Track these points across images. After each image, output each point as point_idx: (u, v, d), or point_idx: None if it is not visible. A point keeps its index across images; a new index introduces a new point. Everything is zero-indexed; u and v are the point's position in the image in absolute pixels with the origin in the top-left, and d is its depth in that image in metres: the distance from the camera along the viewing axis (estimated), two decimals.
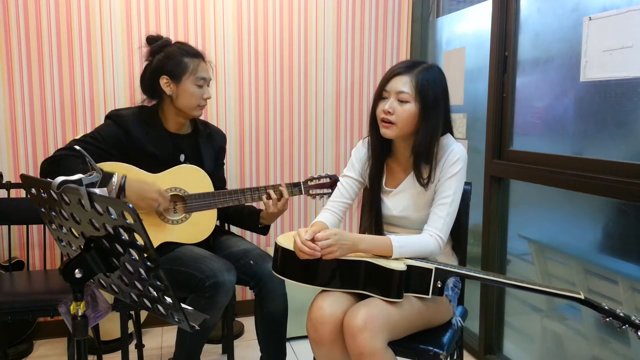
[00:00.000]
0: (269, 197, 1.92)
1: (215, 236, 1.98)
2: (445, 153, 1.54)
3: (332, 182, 2.00)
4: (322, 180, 2.00)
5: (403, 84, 1.50)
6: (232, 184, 2.75)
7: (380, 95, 1.55)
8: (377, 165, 1.64)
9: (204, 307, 1.68)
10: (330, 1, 2.78)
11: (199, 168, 1.90)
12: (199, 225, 1.89)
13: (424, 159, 1.54)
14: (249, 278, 1.88)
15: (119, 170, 1.78)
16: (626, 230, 1.69)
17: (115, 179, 1.69)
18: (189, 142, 1.96)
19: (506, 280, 1.41)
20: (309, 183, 1.99)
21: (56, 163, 1.71)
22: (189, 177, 1.88)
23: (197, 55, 1.88)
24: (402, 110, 1.50)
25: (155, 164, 1.83)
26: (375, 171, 1.64)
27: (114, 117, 1.84)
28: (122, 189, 1.69)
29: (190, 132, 1.98)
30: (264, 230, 2.06)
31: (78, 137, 1.84)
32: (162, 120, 1.90)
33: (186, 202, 1.86)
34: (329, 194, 1.99)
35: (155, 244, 1.81)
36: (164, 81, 1.84)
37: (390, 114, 1.51)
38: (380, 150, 1.63)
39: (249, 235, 2.80)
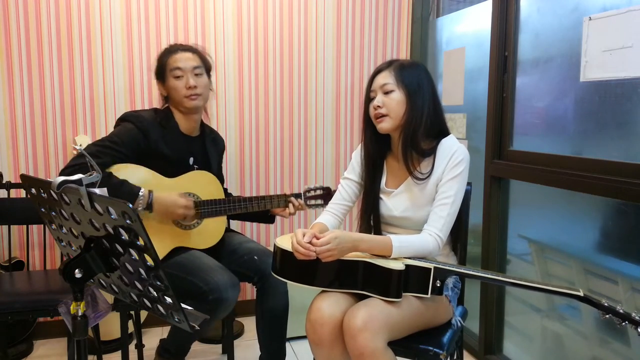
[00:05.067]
0: (284, 205, 2.00)
1: None
2: (449, 153, 1.55)
3: (326, 193, 2.07)
4: (318, 192, 2.07)
5: (385, 78, 1.56)
6: (232, 183, 2.75)
7: (368, 97, 1.61)
8: (373, 167, 1.66)
9: None
10: (330, 1, 2.78)
11: (211, 174, 1.94)
12: (210, 232, 1.91)
13: (411, 146, 1.55)
14: (253, 273, 1.90)
15: (134, 172, 1.78)
16: (626, 230, 1.69)
17: (142, 194, 1.70)
18: (197, 145, 1.98)
19: (505, 278, 1.41)
20: (307, 194, 2.06)
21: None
22: (202, 183, 1.90)
23: (173, 50, 1.89)
24: (389, 100, 1.55)
25: (167, 166, 1.84)
26: (370, 173, 1.66)
27: (132, 119, 1.83)
28: (149, 205, 1.72)
29: (199, 135, 2.01)
30: (272, 218, 2.10)
31: (96, 141, 1.82)
32: (177, 122, 1.91)
33: (199, 208, 1.87)
34: (322, 205, 2.07)
35: (168, 249, 1.81)
36: (158, 86, 1.93)
37: (380, 108, 1.55)
38: (376, 151, 1.65)
39: (248, 233, 2.80)
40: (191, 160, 1.93)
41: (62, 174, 1.69)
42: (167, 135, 1.86)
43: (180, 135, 1.91)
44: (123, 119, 1.86)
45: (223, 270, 1.78)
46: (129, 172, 1.77)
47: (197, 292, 1.69)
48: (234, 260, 1.91)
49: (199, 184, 1.89)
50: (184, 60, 1.86)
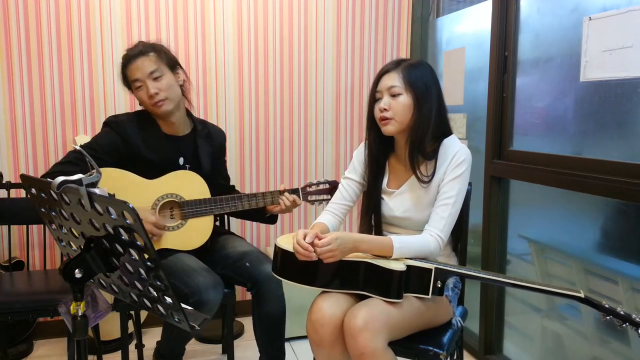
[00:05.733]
0: (284, 201, 1.92)
1: (214, 237, 1.96)
2: (451, 154, 1.54)
3: (332, 187, 1.99)
4: (321, 186, 1.99)
5: (392, 80, 1.53)
6: (232, 184, 2.75)
7: (374, 97, 1.58)
8: (376, 167, 1.65)
9: None
10: (330, 1, 2.78)
11: (195, 173, 1.88)
12: (195, 232, 1.87)
13: (418, 150, 1.54)
14: (246, 280, 1.86)
15: (114, 176, 1.76)
16: (626, 230, 1.69)
17: None
18: (187, 144, 1.94)
19: (506, 279, 1.41)
20: (308, 189, 1.98)
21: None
22: (185, 183, 1.85)
23: (127, 59, 1.81)
24: (396, 103, 1.53)
25: (153, 169, 1.81)
26: (373, 173, 1.65)
27: (111, 123, 1.83)
28: None
29: (189, 133, 1.96)
30: (272, 219, 2.04)
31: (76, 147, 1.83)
32: (158, 124, 1.89)
33: (182, 209, 1.84)
34: (328, 200, 1.96)
35: None
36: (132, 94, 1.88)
37: (386, 111, 1.53)
38: (380, 151, 1.64)
39: (248, 236, 2.80)
40: (181, 160, 1.90)
41: (45, 177, 1.70)
42: (150, 139, 1.83)
43: (163, 137, 1.87)
44: (104, 124, 1.85)
45: (206, 271, 1.74)
46: (110, 176, 1.74)
47: (179, 295, 1.66)
48: (227, 266, 1.88)
49: (182, 184, 1.85)
50: (140, 68, 1.78)
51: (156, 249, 1.79)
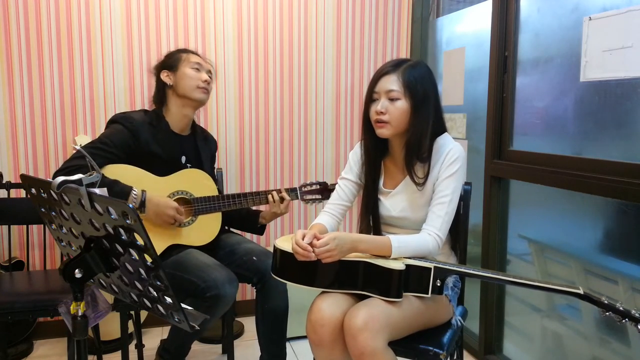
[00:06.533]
0: (272, 197, 1.98)
1: (217, 235, 1.98)
2: (444, 152, 1.54)
3: (322, 188, 2.09)
4: (314, 187, 2.08)
5: (391, 83, 1.51)
6: (231, 183, 2.75)
7: (370, 97, 1.57)
8: (372, 167, 1.65)
9: None
10: (330, 1, 2.78)
11: (203, 172, 1.96)
12: (206, 228, 1.92)
13: (415, 155, 1.54)
14: (252, 274, 1.90)
15: (127, 172, 1.80)
16: (626, 230, 1.69)
17: (135, 194, 1.71)
18: (189, 143, 2.00)
19: (504, 277, 1.41)
20: (303, 189, 2.06)
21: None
22: (195, 181, 1.92)
23: (190, 51, 1.98)
24: (393, 108, 1.51)
25: (160, 165, 1.86)
26: (371, 173, 1.65)
27: (122, 120, 1.85)
28: (142, 204, 1.73)
29: (190, 134, 2.02)
30: (262, 229, 2.12)
31: (86, 143, 1.87)
32: (167, 121, 1.93)
33: (193, 205, 1.88)
34: (320, 200, 2.09)
35: (164, 247, 1.83)
36: (164, 74, 1.93)
37: (383, 114, 1.52)
38: (376, 152, 1.64)
39: (248, 235, 2.80)
40: (183, 158, 1.96)
41: (56, 175, 1.71)
42: (158, 134, 1.88)
43: (171, 134, 1.93)
44: (112, 121, 1.88)
45: (220, 267, 1.79)
46: (122, 172, 1.78)
47: (195, 290, 1.70)
48: (233, 261, 1.92)
49: (192, 181, 1.91)
50: (204, 60, 1.97)
51: (169, 244, 1.84)
